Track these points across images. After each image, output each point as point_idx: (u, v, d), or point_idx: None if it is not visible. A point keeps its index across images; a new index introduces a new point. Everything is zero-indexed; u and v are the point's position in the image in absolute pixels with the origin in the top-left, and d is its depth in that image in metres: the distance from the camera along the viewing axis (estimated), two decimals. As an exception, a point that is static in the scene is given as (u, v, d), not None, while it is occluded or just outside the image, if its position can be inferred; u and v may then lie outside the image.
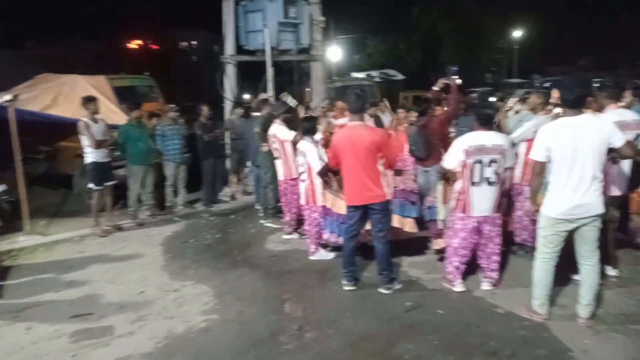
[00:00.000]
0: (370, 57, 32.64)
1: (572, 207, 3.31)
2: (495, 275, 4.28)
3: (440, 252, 4.72)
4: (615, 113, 4.04)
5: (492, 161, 3.95)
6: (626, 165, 4.08)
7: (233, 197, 8.05)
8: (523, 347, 3.39)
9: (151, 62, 26.36)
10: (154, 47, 33.54)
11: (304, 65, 10.07)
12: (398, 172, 4.92)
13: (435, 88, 5.77)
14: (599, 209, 3.34)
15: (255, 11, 8.13)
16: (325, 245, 5.38)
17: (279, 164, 5.88)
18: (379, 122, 7.23)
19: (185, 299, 4.42)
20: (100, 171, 6.30)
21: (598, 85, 4.24)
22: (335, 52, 24.44)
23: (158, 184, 7.19)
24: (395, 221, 4.75)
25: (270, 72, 8.15)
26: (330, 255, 5.27)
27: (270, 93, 8.06)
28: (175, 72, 29.41)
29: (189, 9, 34.51)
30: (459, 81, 6.15)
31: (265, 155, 6.34)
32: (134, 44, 32.52)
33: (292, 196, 5.82)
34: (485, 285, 4.27)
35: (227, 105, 8.61)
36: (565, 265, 3.76)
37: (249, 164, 7.54)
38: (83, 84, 8.50)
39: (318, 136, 5.34)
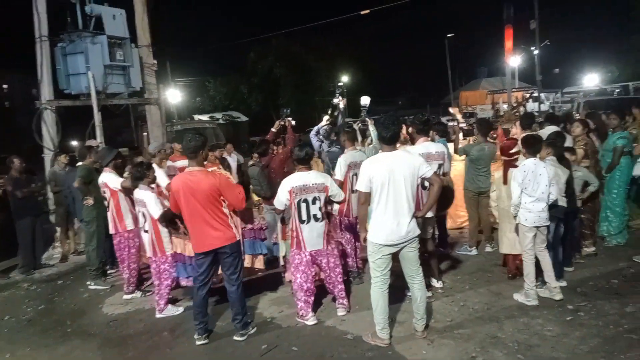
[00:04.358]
0: (213, 100, 32.63)
1: (391, 232, 3.69)
2: (346, 302, 4.52)
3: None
4: (422, 146, 4.70)
5: (316, 199, 4.24)
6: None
7: (64, 259, 7.12)
8: (371, 368, 3.58)
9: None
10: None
11: (140, 109, 9.58)
12: (244, 213, 4.89)
13: (273, 129, 6.13)
14: (415, 231, 3.78)
15: (75, 53, 7.57)
16: (174, 300, 5.05)
17: (110, 216, 5.40)
18: (225, 165, 7.17)
19: (-2, 391, 3.68)
20: None
21: (408, 122, 4.85)
22: (174, 95, 23.84)
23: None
24: (247, 261, 4.71)
25: (97, 116, 7.55)
26: (180, 309, 4.94)
27: (99, 139, 7.43)
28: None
29: (-1, 49, 30.18)
30: (293, 122, 6.51)
31: (89, 210, 5.80)
32: None
33: (129, 251, 5.36)
34: (340, 311, 4.48)
35: (47, 155, 7.67)
36: (401, 283, 4.12)
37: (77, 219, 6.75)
38: None
39: (163, 182, 5.04)
